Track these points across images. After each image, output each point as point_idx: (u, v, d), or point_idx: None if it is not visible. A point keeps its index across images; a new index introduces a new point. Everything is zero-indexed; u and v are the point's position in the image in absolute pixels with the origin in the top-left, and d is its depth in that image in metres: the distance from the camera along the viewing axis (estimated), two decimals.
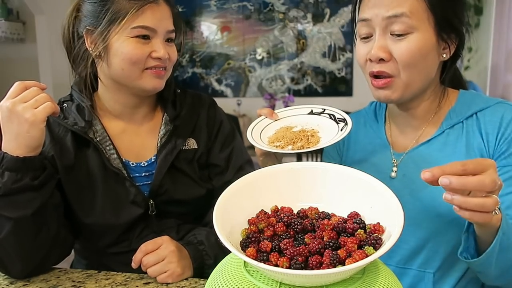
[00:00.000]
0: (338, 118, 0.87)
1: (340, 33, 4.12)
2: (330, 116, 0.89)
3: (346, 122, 0.84)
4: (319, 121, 0.88)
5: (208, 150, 1.08)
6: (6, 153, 0.82)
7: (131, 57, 0.92)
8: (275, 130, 0.87)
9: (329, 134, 0.83)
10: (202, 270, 0.94)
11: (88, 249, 1.05)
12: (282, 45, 4.26)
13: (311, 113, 0.91)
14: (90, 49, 0.96)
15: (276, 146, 0.81)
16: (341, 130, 0.82)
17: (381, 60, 0.84)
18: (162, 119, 1.05)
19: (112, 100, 1.02)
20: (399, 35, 0.83)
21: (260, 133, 0.86)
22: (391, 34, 0.83)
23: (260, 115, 0.92)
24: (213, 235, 0.97)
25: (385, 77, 0.85)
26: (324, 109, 0.91)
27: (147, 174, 1.02)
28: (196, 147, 1.06)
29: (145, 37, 0.93)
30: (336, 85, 4.17)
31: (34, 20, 3.96)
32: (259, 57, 4.32)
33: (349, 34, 4.09)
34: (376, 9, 0.84)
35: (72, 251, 1.03)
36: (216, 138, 1.09)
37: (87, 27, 0.96)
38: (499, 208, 0.66)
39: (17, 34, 4.12)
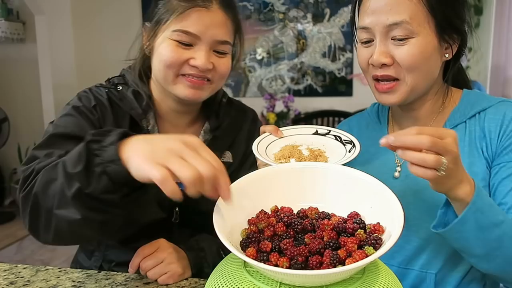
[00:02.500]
0: (344, 140, 0.88)
1: (340, 33, 4.11)
2: (336, 137, 0.89)
3: (354, 144, 0.85)
4: (325, 142, 0.89)
5: (241, 165, 1.04)
6: (120, 160, 0.63)
7: (166, 59, 0.89)
8: (280, 147, 0.87)
9: (336, 155, 0.83)
10: (200, 271, 0.93)
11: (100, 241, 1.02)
12: (282, 45, 4.25)
13: (316, 133, 0.91)
14: (145, 45, 0.95)
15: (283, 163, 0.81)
16: (349, 151, 0.82)
17: (384, 65, 0.84)
18: (202, 128, 1.02)
19: (159, 99, 0.99)
20: (400, 40, 0.82)
21: (265, 150, 0.86)
22: (392, 39, 0.83)
23: (264, 132, 0.92)
24: (216, 244, 0.95)
25: (390, 81, 0.85)
26: (330, 131, 0.91)
27: (178, 181, 0.97)
28: (231, 161, 1.03)
29: (186, 44, 0.88)
30: (336, 85, 4.17)
31: (34, 20, 3.95)
32: (259, 57, 4.32)
33: (349, 34, 4.08)
34: (375, 17, 0.83)
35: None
36: (250, 154, 1.03)
37: (145, 23, 0.94)
38: (473, 181, 0.72)
39: (17, 34, 4.11)
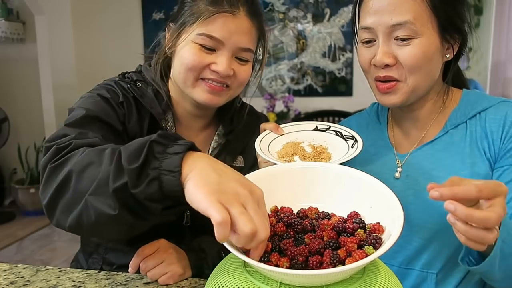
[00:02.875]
0: (345, 135, 0.87)
1: (340, 33, 4.11)
2: (336, 133, 0.89)
3: (356, 139, 0.84)
4: (326, 138, 0.88)
5: (251, 169, 1.05)
6: (180, 173, 0.59)
7: (188, 62, 0.88)
8: (282, 145, 0.87)
9: (339, 151, 0.83)
10: (200, 272, 0.93)
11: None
12: (282, 45, 4.25)
13: (316, 129, 0.91)
14: (167, 46, 0.95)
15: (287, 161, 0.80)
16: (352, 147, 0.82)
17: (387, 65, 0.83)
18: (216, 132, 1.02)
19: (176, 101, 0.99)
20: (403, 40, 0.82)
21: (268, 148, 0.86)
22: (395, 39, 0.83)
23: (265, 129, 0.91)
24: (216, 245, 0.95)
25: (390, 81, 0.85)
26: (330, 126, 0.91)
27: None
28: (242, 165, 1.04)
29: (209, 48, 0.88)
30: (336, 85, 4.17)
31: (34, 20, 3.95)
32: (259, 57, 4.32)
33: (349, 34, 4.08)
34: (378, 17, 0.83)
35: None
36: None
37: (169, 24, 0.94)
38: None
39: (17, 34, 4.11)
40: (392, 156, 0.95)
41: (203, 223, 0.93)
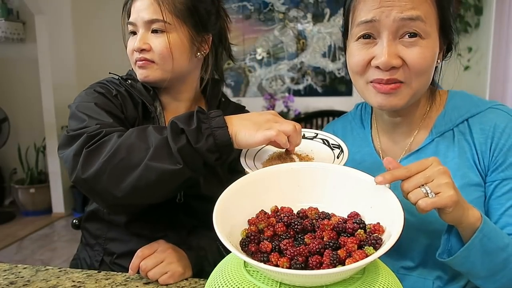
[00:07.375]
0: (332, 144, 0.85)
1: (340, 33, 4.11)
2: (323, 141, 0.87)
3: (342, 149, 0.82)
4: (313, 147, 0.86)
5: (238, 157, 1.09)
6: (226, 127, 0.77)
7: (128, 50, 1.01)
8: (268, 155, 0.84)
9: (325, 161, 0.80)
10: (200, 271, 0.94)
11: (102, 227, 1.04)
12: (282, 45, 4.25)
13: (304, 137, 0.87)
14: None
15: None
16: (337, 157, 0.80)
17: (392, 67, 0.77)
18: None
19: (160, 91, 1.07)
20: (411, 37, 0.76)
21: (254, 157, 0.84)
22: (400, 38, 0.77)
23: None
24: (215, 242, 0.97)
25: (394, 82, 0.78)
26: (317, 134, 0.89)
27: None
28: None
29: (134, 33, 0.99)
30: (336, 85, 4.16)
31: (34, 20, 3.94)
32: (259, 57, 4.31)
33: None
34: (386, 9, 0.75)
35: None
36: None
37: None
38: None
39: (17, 34, 4.11)
40: (380, 165, 0.88)
41: (194, 204, 1.01)
